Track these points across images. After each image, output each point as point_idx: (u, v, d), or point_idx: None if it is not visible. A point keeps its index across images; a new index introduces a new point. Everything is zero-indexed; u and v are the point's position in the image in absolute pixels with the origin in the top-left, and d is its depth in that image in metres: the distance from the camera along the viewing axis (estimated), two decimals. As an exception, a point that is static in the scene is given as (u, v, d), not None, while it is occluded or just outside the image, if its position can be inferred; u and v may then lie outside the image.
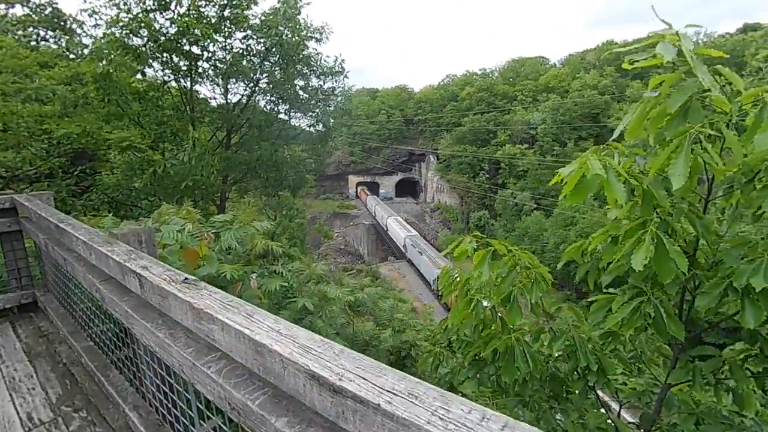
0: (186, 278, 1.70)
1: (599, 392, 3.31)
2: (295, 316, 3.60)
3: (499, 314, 2.94)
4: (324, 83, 13.98)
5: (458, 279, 3.39)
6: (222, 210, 13.95)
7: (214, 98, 13.89)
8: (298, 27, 11.99)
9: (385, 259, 54.22)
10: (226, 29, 11.48)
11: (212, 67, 12.18)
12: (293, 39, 11.91)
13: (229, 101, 13.64)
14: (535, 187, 51.46)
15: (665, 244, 1.97)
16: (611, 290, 3.00)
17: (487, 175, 57.38)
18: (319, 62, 13.33)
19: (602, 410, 3.24)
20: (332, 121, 14.72)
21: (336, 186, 74.92)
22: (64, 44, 14.39)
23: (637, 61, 2.25)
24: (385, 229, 56.01)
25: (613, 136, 2.52)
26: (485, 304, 3.22)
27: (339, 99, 14.51)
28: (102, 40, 9.55)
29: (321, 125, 14.84)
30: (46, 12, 14.99)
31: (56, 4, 14.95)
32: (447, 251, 2.88)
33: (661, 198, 2.07)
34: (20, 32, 14.54)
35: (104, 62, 9.34)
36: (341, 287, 5.77)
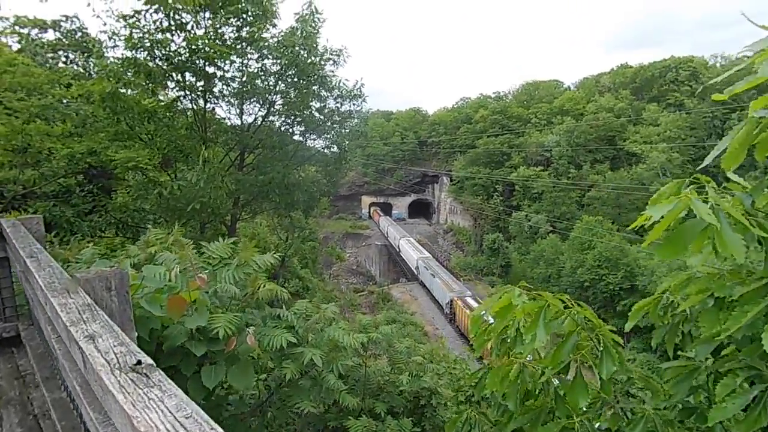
0: (139, 361, 1.20)
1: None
2: (301, 370, 3.07)
3: (552, 386, 2.35)
4: (341, 106, 13.77)
5: (490, 328, 2.83)
6: (232, 232, 13.59)
7: (230, 119, 13.79)
8: (315, 47, 11.85)
9: (397, 280, 53.33)
10: (241, 49, 11.39)
11: (226, 87, 12.08)
12: (310, 59, 11.76)
13: (244, 122, 13.50)
14: (550, 210, 50.42)
15: (814, 320, 1.41)
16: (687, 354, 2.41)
17: (501, 197, 56.61)
18: (337, 85, 13.14)
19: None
20: (347, 143, 14.43)
21: (349, 206, 74.92)
22: (88, 64, 14.59)
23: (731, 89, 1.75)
24: (398, 250, 55.31)
25: (704, 164, 1.99)
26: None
27: (355, 121, 14.26)
28: (115, 59, 9.49)
29: (336, 147, 14.57)
30: (77, 36, 15.30)
31: (86, 29, 15.24)
32: (486, 305, 2.33)
33: (797, 251, 1.52)
34: (50, 54, 14.82)
35: (113, 80, 9.22)
36: (352, 326, 5.20)
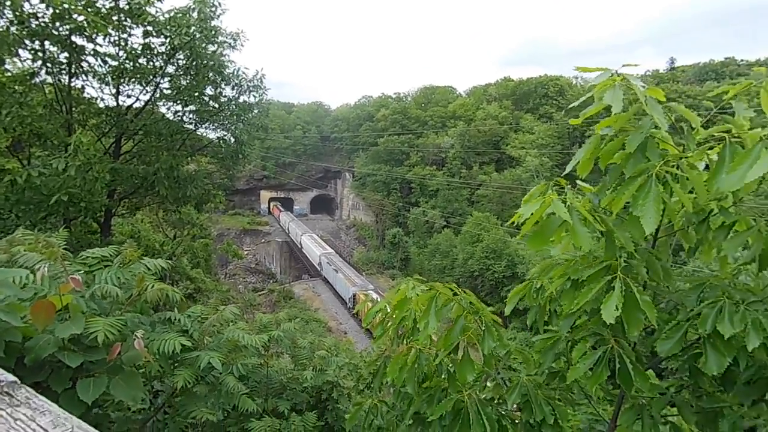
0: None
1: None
2: (196, 375, 2.87)
3: (446, 366, 2.60)
4: (240, 95, 12.90)
5: (388, 317, 3.01)
6: (107, 230, 11.88)
7: (102, 99, 11.95)
8: (212, 33, 10.88)
9: (299, 277, 52.30)
10: (119, 22, 9.94)
11: (101, 64, 10.44)
12: (205, 44, 10.77)
13: (121, 104, 11.82)
14: (445, 206, 54.39)
15: (635, 294, 1.82)
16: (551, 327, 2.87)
17: (400, 194, 59.24)
18: (235, 73, 12.28)
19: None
20: (246, 135, 13.58)
21: (247, 201, 70.91)
22: None
23: (586, 112, 2.17)
24: (300, 246, 54.18)
25: (566, 171, 2.39)
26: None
27: (255, 112, 13.48)
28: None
29: (233, 138, 13.62)
30: None
31: None
32: (387, 298, 2.48)
33: (626, 241, 1.93)
34: None
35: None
36: (252, 326, 5.02)
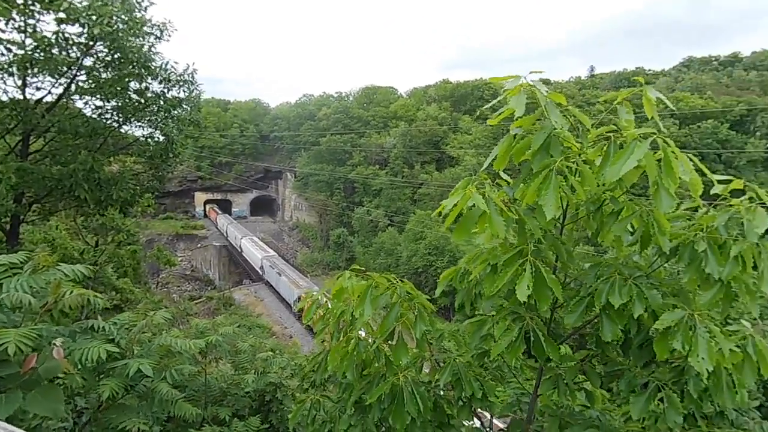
0: None
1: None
2: (125, 385, 2.72)
3: (383, 352, 2.73)
4: (168, 90, 12.11)
5: (329, 312, 3.08)
6: (14, 238, 10.64)
7: (5, 91, 10.64)
8: (137, 22, 10.11)
9: (240, 282, 50.27)
10: (27, 6, 8.93)
11: (3, 52, 9.30)
12: (130, 36, 9.98)
13: (29, 97, 10.61)
14: (388, 205, 55.20)
15: (544, 274, 2.06)
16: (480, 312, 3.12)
17: (344, 194, 59.15)
18: (163, 66, 11.51)
19: (478, 425, 3.32)
20: (176, 132, 12.77)
21: (180, 204, 66.77)
22: None
23: (498, 114, 2.39)
24: (240, 250, 52.05)
25: (483, 167, 2.61)
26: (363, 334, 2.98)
27: (187, 109, 12.72)
28: None
29: (162, 136, 12.75)
30: None
31: None
32: (325, 290, 2.56)
33: (535, 228, 2.18)
34: None
35: None
36: (188, 333, 4.83)
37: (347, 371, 2.77)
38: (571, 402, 3.11)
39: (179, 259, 54.52)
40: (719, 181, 2.30)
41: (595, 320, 2.57)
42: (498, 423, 4.31)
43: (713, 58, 64.78)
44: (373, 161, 59.91)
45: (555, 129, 2.21)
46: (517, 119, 2.29)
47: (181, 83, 12.19)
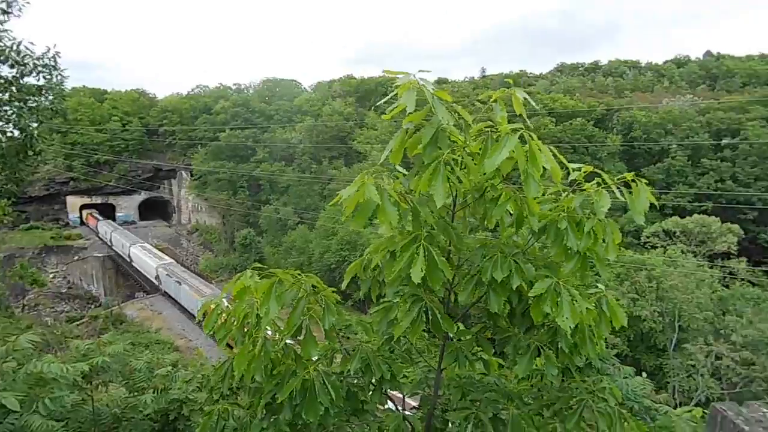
0: None
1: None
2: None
3: (292, 348, 2.71)
4: (23, 76, 10.20)
5: (232, 315, 2.96)
6: None
7: None
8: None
9: (132, 296, 44.99)
10: None
11: None
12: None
13: None
14: (297, 202, 53.91)
15: (435, 256, 2.24)
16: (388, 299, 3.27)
17: (249, 192, 56.23)
18: (15, 48, 9.65)
19: (392, 407, 3.48)
20: (35, 125, 10.84)
21: (47, 211, 57.24)
22: None
23: (392, 109, 2.51)
24: (129, 259, 46.40)
25: (380, 161, 2.73)
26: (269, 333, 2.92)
27: (49, 98, 10.86)
28: None
29: (16, 130, 10.72)
30: None
31: None
32: (224, 294, 2.45)
33: (427, 215, 2.35)
34: None
35: None
36: (68, 355, 4.22)
37: (256, 374, 2.70)
38: (472, 372, 3.44)
39: (51, 276, 46.92)
40: (574, 169, 2.73)
41: (485, 295, 2.88)
42: (411, 402, 4.57)
43: (580, 65, 75.25)
44: (279, 157, 57.87)
45: (442, 124, 2.41)
46: (408, 114, 2.43)
47: (40, 68, 10.40)
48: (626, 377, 5.19)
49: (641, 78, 63.58)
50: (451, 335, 2.76)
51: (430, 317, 2.42)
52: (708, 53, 68.37)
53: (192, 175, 60.81)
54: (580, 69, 73.30)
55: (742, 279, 30.33)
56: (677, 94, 53.27)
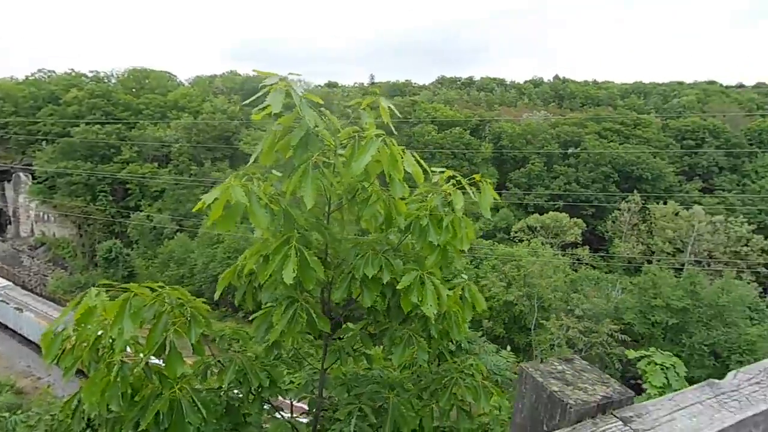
0: None
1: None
2: None
3: (155, 369, 2.48)
4: None
5: (78, 340, 2.59)
6: None
7: None
8: None
9: (-53, 333, 35.46)
10: None
11: None
12: None
13: None
14: (176, 208, 48.62)
15: (306, 257, 2.28)
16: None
17: (113, 198, 48.89)
18: None
19: (278, 415, 3.41)
20: None
21: None
22: None
23: (260, 110, 2.49)
24: (-59, 287, 36.51)
25: (250, 162, 2.68)
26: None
27: None
28: None
29: None
30: None
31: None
32: (61, 318, 2.15)
33: (298, 217, 2.38)
34: None
35: None
36: None
37: (111, 403, 2.40)
38: (356, 368, 3.56)
39: None
40: (435, 172, 3.04)
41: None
42: (303, 406, 4.53)
43: (457, 79, 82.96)
44: (151, 158, 51.54)
45: (310, 127, 2.46)
46: (274, 115, 2.43)
47: None
48: (492, 354, 5.92)
49: (507, 94, 72.99)
50: (334, 335, 2.84)
51: (306, 318, 2.45)
52: (556, 77, 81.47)
53: (34, 178, 50.58)
54: (458, 83, 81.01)
55: (586, 264, 37.00)
56: (534, 109, 62.49)
